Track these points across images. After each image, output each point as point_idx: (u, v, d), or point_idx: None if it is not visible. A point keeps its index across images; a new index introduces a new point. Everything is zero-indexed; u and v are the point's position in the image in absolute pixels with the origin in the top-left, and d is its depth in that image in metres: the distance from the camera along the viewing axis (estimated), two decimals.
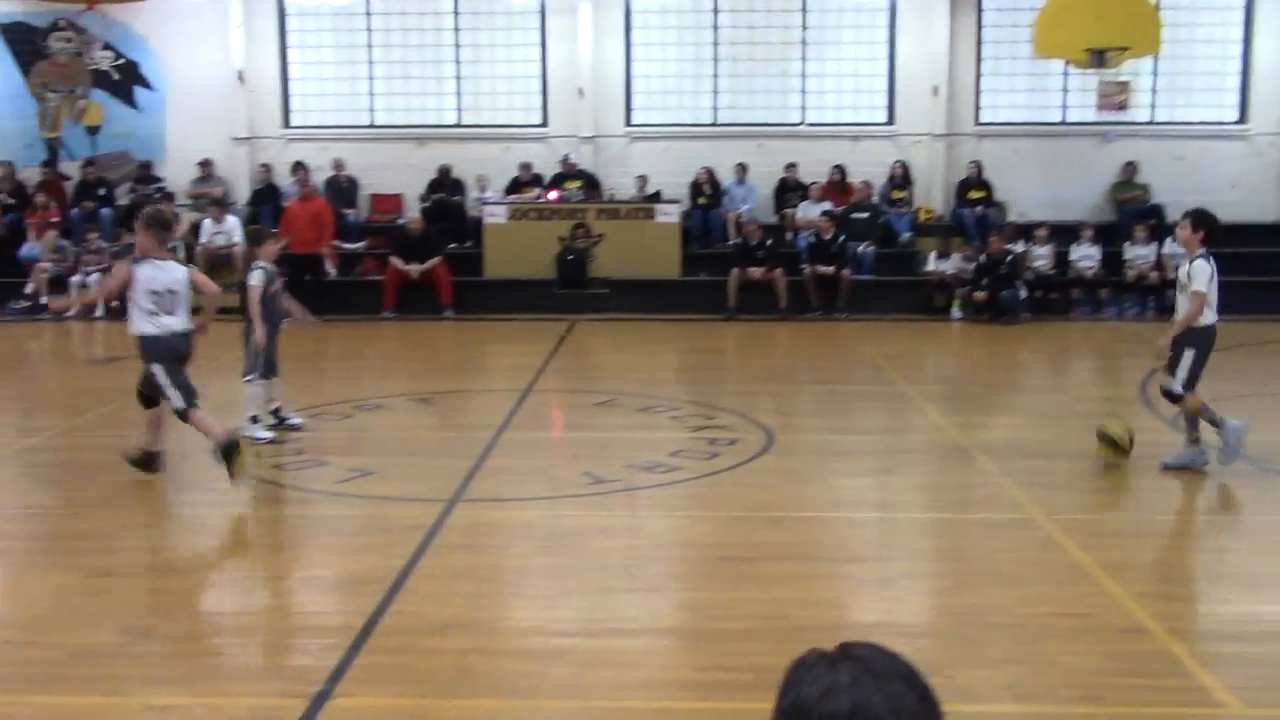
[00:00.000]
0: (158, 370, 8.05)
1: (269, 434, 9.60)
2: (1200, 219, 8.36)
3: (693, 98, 19.55)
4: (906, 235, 18.65)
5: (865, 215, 18.37)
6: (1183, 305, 8.33)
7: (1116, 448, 8.52)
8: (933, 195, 19.27)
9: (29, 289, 17.61)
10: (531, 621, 5.77)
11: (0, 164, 19.11)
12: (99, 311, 17.30)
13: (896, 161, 19.05)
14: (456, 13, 19.32)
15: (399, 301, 17.41)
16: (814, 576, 6.36)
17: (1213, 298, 8.24)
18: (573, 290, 17.78)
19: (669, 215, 18.19)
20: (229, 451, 7.82)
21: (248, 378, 9.71)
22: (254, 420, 9.63)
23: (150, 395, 8.24)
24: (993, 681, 4.92)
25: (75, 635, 5.47)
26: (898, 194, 19.00)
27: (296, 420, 9.99)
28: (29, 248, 18.05)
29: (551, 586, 6.20)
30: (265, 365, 9.70)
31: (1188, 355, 8.29)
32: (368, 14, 19.35)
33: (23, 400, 12.35)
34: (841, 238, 17.81)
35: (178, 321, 8.07)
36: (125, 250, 17.59)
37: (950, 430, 9.94)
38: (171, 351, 8.04)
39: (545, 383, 12.58)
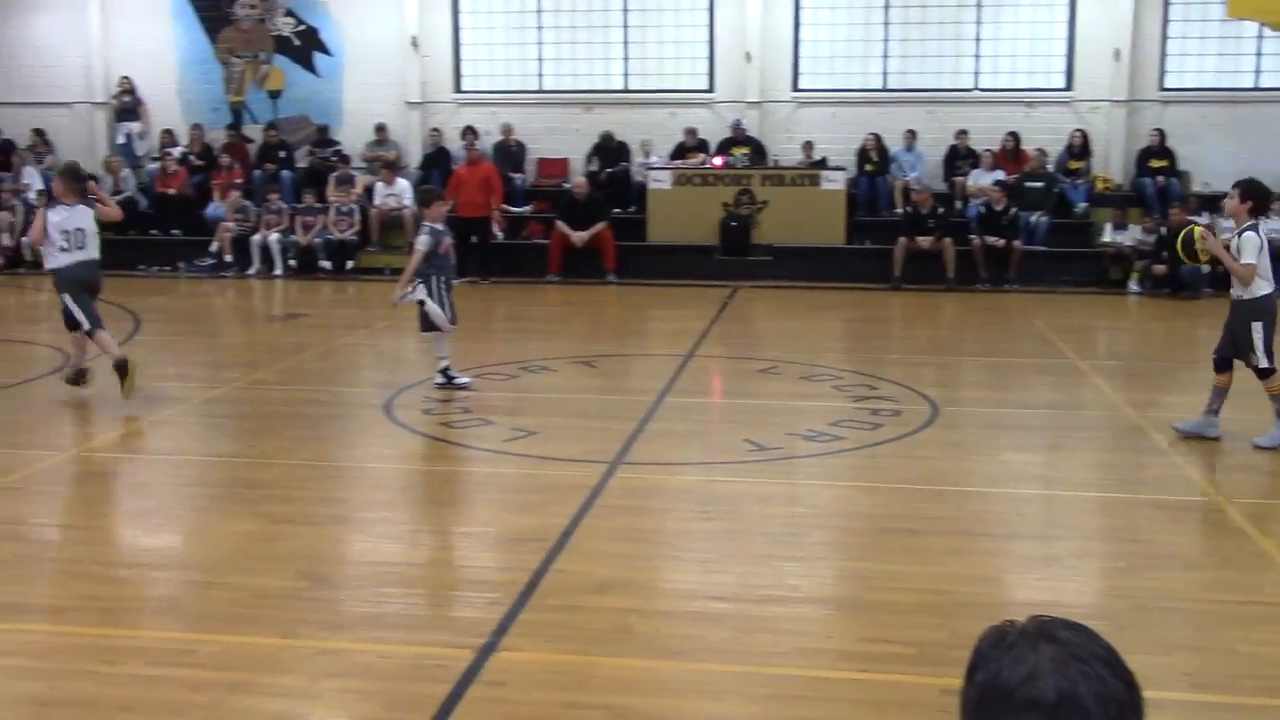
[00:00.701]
0: (67, 298, 9.50)
1: (467, 378, 10.10)
2: (1249, 190, 8.23)
3: (861, 62, 19.18)
4: (1082, 206, 18.02)
5: (1039, 185, 17.80)
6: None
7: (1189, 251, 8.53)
8: (1111, 164, 18.56)
9: (213, 247, 18.39)
10: (691, 584, 5.80)
11: (190, 126, 19.97)
12: (278, 270, 18.00)
13: (1075, 130, 18.39)
14: None
15: (563, 265, 17.62)
16: (977, 552, 6.25)
17: (1265, 269, 8.07)
18: (736, 257, 17.71)
19: (834, 182, 17.95)
20: (121, 369, 9.37)
21: (430, 330, 10.04)
22: (446, 369, 10.01)
23: (71, 319, 9.56)
24: (1169, 668, 4.76)
25: (254, 579, 5.72)
26: (1074, 163, 18.35)
27: (464, 380, 10.20)
28: (214, 208, 18.84)
29: (711, 551, 6.23)
30: (447, 316, 10.01)
31: (1256, 329, 8.10)
32: None
33: (208, 354, 12.92)
34: (1013, 208, 17.31)
35: (85, 254, 9.51)
36: (309, 210, 18.25)
37: (1124, 407, 9.61)
38: (79, 280, 9.51)
39: (707, 348, 12.58)
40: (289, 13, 19.92)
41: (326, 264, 18.09)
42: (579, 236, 17.50)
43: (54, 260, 9.49)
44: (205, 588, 5.70)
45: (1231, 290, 8.35)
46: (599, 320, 15.44)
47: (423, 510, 7.40)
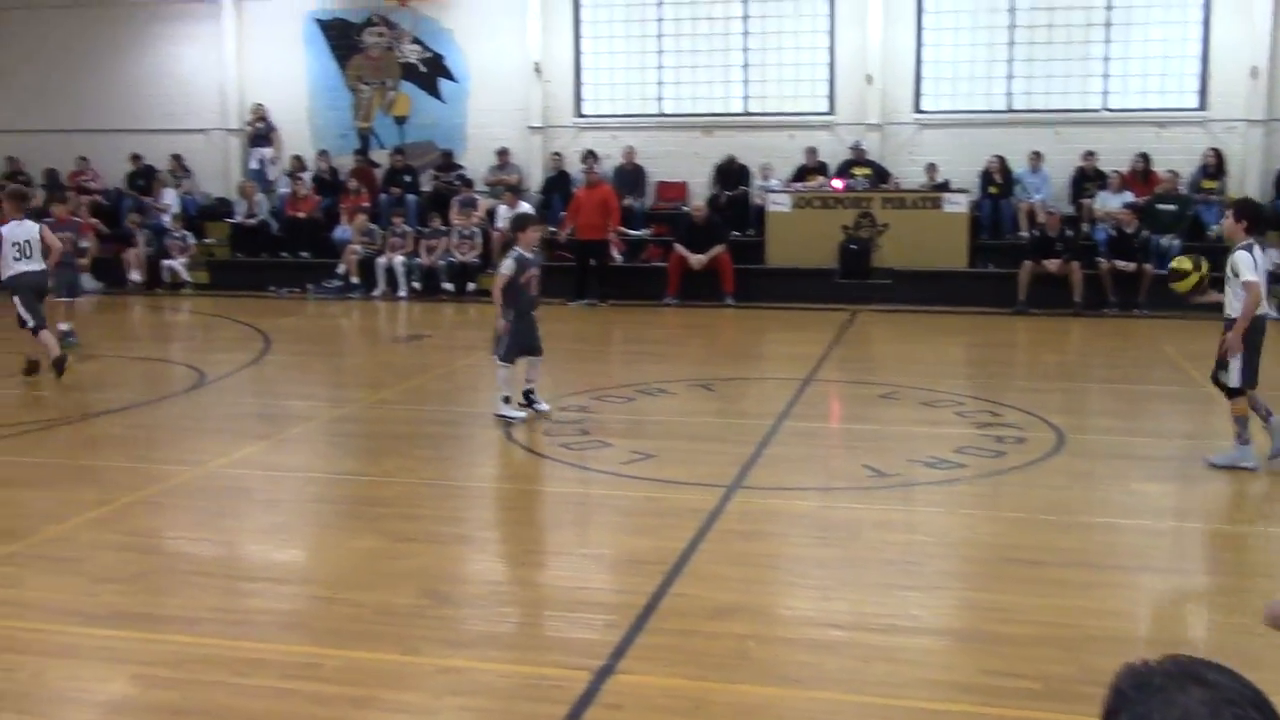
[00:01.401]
0: (18, 300, 11.24)
1: (520, 414, 9.70)
2: (1242, 209, 8.23)
3: (985, 83, 18.90)
4: (1216, 228, 17.47)
5: (1171, 207, 17.30)
6: (1230, 299, 8.09)
7: (1185, 277, 8.47)
8: (1247, 185, 17.95)
9: (340, 269, 18.86)
10: (809, 611, 5.75)
11: (318, 152, 20.55)
12: (402, 291, 18.38)
13: (1209, 149, 17.86)
14: (745, 0, 19.38)
15: (682, 288, 17.66)
16: (1106, 585, 6.07)
17: (1262, 288, 7.99)
18: (855, 280, 17.56)
19: (957, 205, 17.69)
20: (59, 365, 11.19)
21: (497, 357, 9.77)
22: (505, 400, 9.72)
23: (21, 320, 11.21)
24: None
25: (377, 595, 5.83)
26: (1208, 184, 17.80)
27: (544, 406, 9.91)
28: (341, 230, 19.33)
29: (829, 578, 6.16)
30: (519, 348, 9.72)
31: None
32: (659, 3, 19.67)
33: (334, 373, 13.23)
34: (1144, 231, 16.86)
35: (34, 264, 11.39)
36: (433, 233, 18.60)
37: (1259, 434, 9.27)
38: (29, 285, 11.32)
39: (826, 373, 12.49)
40: (416, 40, 20.39)
41: (449, 286, 18.41)
42: (697, 259, 17.53)
43: (9, 269, 11.35)
44: (329, 603, 5.82)
45: (1225, 310, 8.23)
46: (717, 343, 15.42)
47: (541, 531, 7.46)
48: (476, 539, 7.08)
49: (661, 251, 18.34)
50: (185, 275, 19.43)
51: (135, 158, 20.87)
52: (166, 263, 19.40)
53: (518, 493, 8.16)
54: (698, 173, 19.47)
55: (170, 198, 20.35)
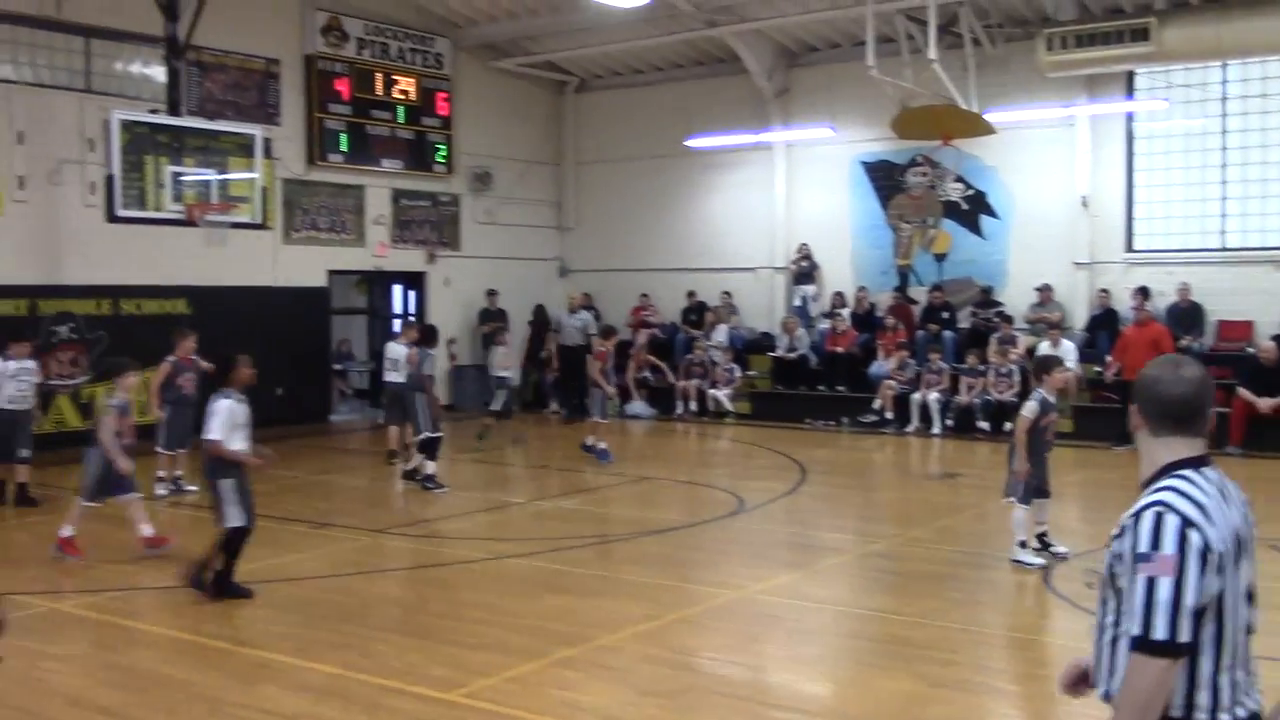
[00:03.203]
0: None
1: (1037, 560, 9.49)
2: None
3: None
4: None
5: None
6: None
7: None
8: None
9: (876, 404, 19.04)
10: None
11: (858, 289, 21.04)
12: (936, 428, 18.22)
13: None
14: None
15: (1246, 435, 16.10)
16: None
17: None
18: None
19: None
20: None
21: (1008, 499, 9.68)
22: (1021, 545, 9.55)
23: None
24: None
25: None
26: None
27: (1063, 550, 9.75)
28: (878, 366, 19.56)
29: None
30: (1033, 489, 9.60)
31: None
32: (1223, 133, 18.43)
33: (866, 507, 13.29)
34: None
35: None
36: (971, 371, 18.32)
37: None
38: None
39: None
40: (959, 178, 20.46)
41: (984, 424, 18.01)
42: (1266, 404, 15.94)
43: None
44: None
45: None
46: None
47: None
48: (1010, 693, 6.74)
49: (1224, 396, 16.85)
50: (728, 405, 20.48)
51: (690, 294, 22.45)
52: (712, 392, 20.58)
53: (1058, 648, 7.69)
54: (1266, 311, 17.80)
55: (721, 333, 21.63)
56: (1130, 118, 19.16)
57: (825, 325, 20.85)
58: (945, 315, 19.99)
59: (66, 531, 9.99)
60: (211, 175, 15.28)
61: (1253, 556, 3.08)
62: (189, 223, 15.08)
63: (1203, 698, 2.90)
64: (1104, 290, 18.94)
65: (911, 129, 18.30)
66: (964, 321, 19.96)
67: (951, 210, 20.65)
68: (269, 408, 17.15)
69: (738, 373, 20.84)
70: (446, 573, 9.64)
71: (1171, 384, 3.07)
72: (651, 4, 18.11)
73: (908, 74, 17.70)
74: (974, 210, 20.45)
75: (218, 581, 8.54)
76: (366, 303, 23.15)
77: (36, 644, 7.22)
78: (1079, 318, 19.29)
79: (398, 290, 23.08)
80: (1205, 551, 2.85)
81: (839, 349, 20.08)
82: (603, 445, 15.51)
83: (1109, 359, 17.36)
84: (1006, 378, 18.19)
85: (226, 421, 8.45)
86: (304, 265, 19.73)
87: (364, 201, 20.87)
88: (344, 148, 20.23)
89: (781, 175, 22.07)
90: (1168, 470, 3.02)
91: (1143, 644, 2.83)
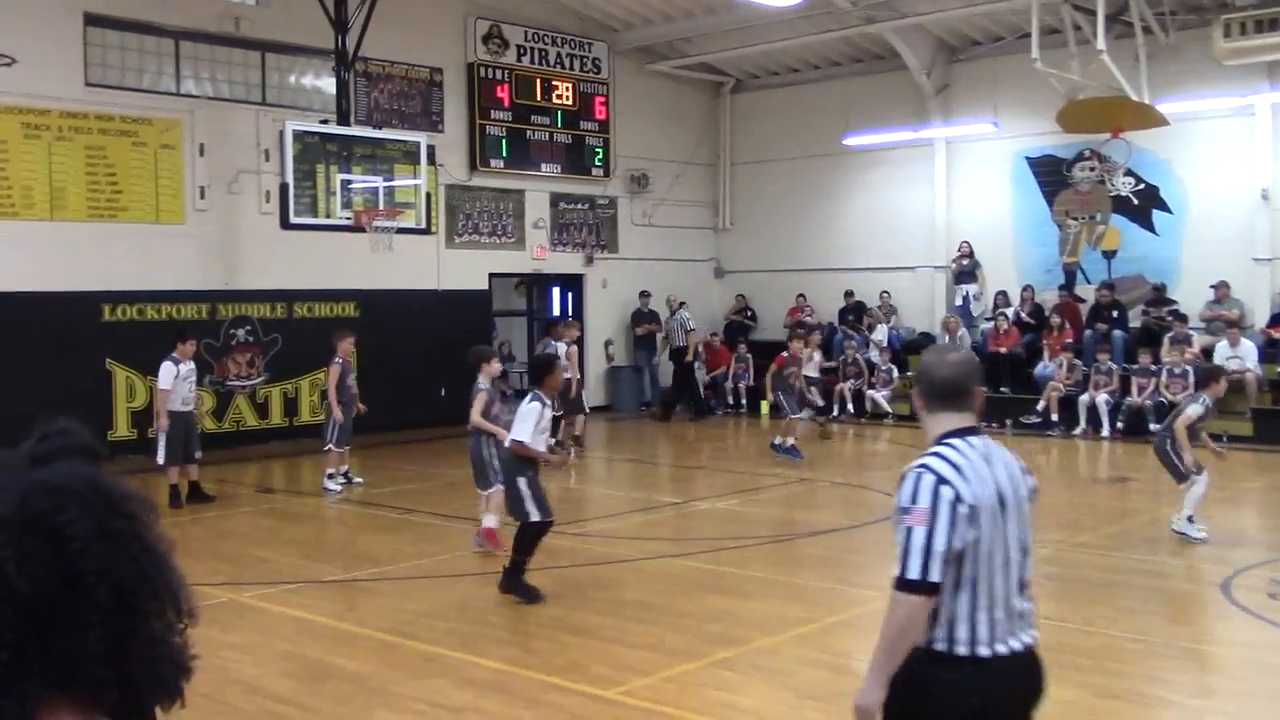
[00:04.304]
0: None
1: (1202, 534, 9.97)
2: None
3: None
4: None
5: None
6: None
7: None
8: None
9: (1040, 405, 18.54)
10: None
11: (1022, 287, 20.50)
12: (1105, 431, 17.65)
13: None
14: None
15: None
16: None
17: None
18: None
19: None
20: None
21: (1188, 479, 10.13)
22: (1189, 519, 10.04)
23: None
24: None
25: None
26: None
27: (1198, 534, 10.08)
28: (1043, 367, 19.04)
29: None
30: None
31: None
32: None
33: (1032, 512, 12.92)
34: None
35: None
36: (1142, 372, 17.75)
37: None
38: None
39: None
40: (1129, 172, 19.76)
41: (1156, 427, 17.34)
42: None
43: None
44: None
45: None
46: None
47: (1260, 704, 6.66)
48: (1184, 705, 6.49)
49: None
50: (886, 406, 20.20)
51: (848, 294, 22.21)
52: (870, 393, 20.32)
53: (1236, 659, 7.38)
54: None
55: (880, 333, 21.35)
56: None
57: (988, 325, 20.39)
58: (1114, 314, 19.33)
59: (490, 522, 10.10)
60: (379, 182, 15.79)
61: (1024, 515, 3.54)
62: (357, 228, 15.61)
63: (961, 632, 3.35)
64: None
65: (1078, 122, 17.77)
66: (1134, 321, 19.29)
67: (1121, 205, 19.97)
68: (433, 408, 17.67)
69: (896, 373, 20.54)
70: (605, 571, 9.76)
71: (939, 367, 3.62)
72: (808, 2, 17.99)
73: (1074, 65, 17.18)
74: (1145, 205, 19.74)
75: (508, 575, 8.59)
76: (526, 305, 23.56)
77: (216, 633, 7.56)
78: (1260, 316, 18.45)
79: (556, 292, 23.43)
80: (956, 503, 3.32)
81: (1002, 349, 19.61)
82: (791, 442, 15.59)
83: None
84: (1181, 378, 17.50)
85: (535, 425, 8.63)
86: (466, 269, 20.19)
87: (524, 205, 21.26)
88: (504, 153, 20.63)
89: (942, 172, 21.67)
90: (939, 440, 3.49)
91: (899, 582, 3.33)
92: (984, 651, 3.34)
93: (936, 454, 3.45)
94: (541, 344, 18.17)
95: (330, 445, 13.63)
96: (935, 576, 3.29)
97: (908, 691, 3.35)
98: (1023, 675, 3.47)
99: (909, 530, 3.34)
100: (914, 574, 3.31)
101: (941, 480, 3.35)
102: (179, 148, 16.68)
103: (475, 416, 10.15)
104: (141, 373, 15.61)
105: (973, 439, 3.50)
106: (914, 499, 3.37)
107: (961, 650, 3.34)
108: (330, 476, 13.69)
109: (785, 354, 16.24)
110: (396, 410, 16.95)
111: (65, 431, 1.22)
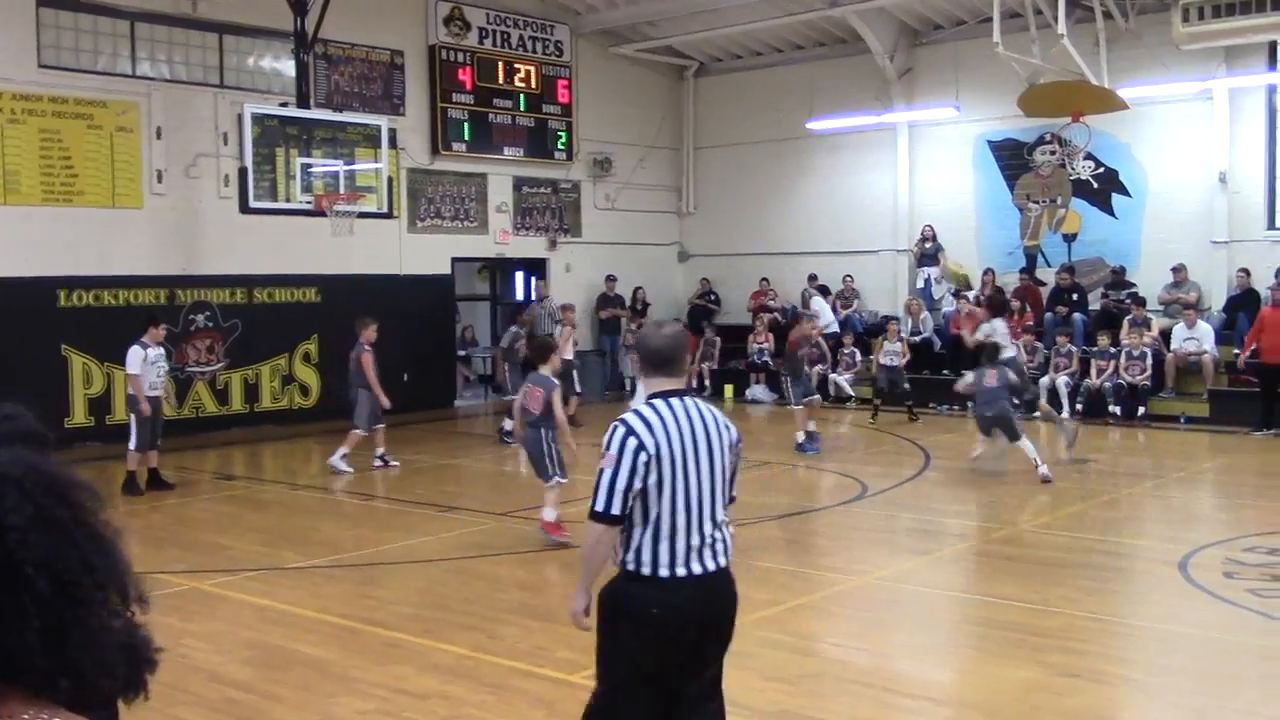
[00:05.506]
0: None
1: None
2: None
3: None
4: None
5: None
6: None
7: None
8: None
9: None
10: None
11: (983, 271, 20.61)
12: (1065, 413, 17.79)
13: None
14: None
15: None
16: None
17: None
18: None
19: None
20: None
21: None
22: None
23: None
24: None
25: None
26: None
27: None
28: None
29: None
30: None
31: None
32: None
33: (992, 494, 13.00)
34: None
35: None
36: (1101, 354, 17.87)
37: None
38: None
39: None
40: (1089, 156, 19.90)
41: (1115, 409, 17.54)
42: None
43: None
44: None
45: None
46: None
47: (1219, 684, 6.74)
48: (1144, 684, 6.56)
49: None
50: (849, 390, 20.27)
51: (811, 278, 22.24)
52: (833, 376, 20.37)
53: (1194, 639, 7.46)
54: None
55: (819, 306, 20.83)
56: (1272, 90, 18.44)
57: (950, 309, 20.49)
58: (1074, 297, 19.48)
59: (550, 515, 9.98)
60: (339, 166, 15.66)
61: (717, 462, 4.11)
62: (318, 213, 15.48)
63: (645, 556, 4.02)
64: (1244, 270, 18.29)
65: (1039, 106, 17.86)
66: (1094, 303, 19.44)
67: (1082, 189, 20.12)
68: (396, 393, 17.60)
69: (859, 357, 20.61)
70: (569, 555, 9.74)
71: (653, 338, 4.29)
72: None
73: (1035, 50, 17.26)
74: (1105, 189, 19.89)
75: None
76: (489, 289, 23.46)
77: (177, 621, 7.50)
78: (1217, 299, 18.66)
79: (519, 277, 23.35)
80: (639, 451, 3.98)
81: (964, 332, 19.70)
82: (802, 437, 15.21)
83: (1245, 340, 16.79)
84: (1139, 361, 17.68)
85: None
86: (428, 253, 20.08)
87: (486, 189, 21.16)
88: (466, 136, 20.52)
89: (904, 156, 21.74)
90: (647, 400, 4.15)
91: (591, 514, 4.03)
92: (664, 573, 4.00)
93: (636, 411, 4.11)
94: (508, 333, 18.27)
95: (360, 429, 13.74)
96: (616, 510, 3.99)
97: (609, 602, 4.09)
98: (703, 594, 4.07)
99: (600, 471, 4.03)
100: (600, 506, 4.01)
101: (630, 432, 4.02)
102: (136, 131, 16.48)
103: (558, 410, 9.93)
104: (98, 359, 15.44)
105: (673, 400, 4.14)
106: (608, 446, 4.05)
107: (645, 571, 4.02)
108: (344, 456, 13.69)
109: (796, 336, 15.81)
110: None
111: (9, 417, 1.19)
